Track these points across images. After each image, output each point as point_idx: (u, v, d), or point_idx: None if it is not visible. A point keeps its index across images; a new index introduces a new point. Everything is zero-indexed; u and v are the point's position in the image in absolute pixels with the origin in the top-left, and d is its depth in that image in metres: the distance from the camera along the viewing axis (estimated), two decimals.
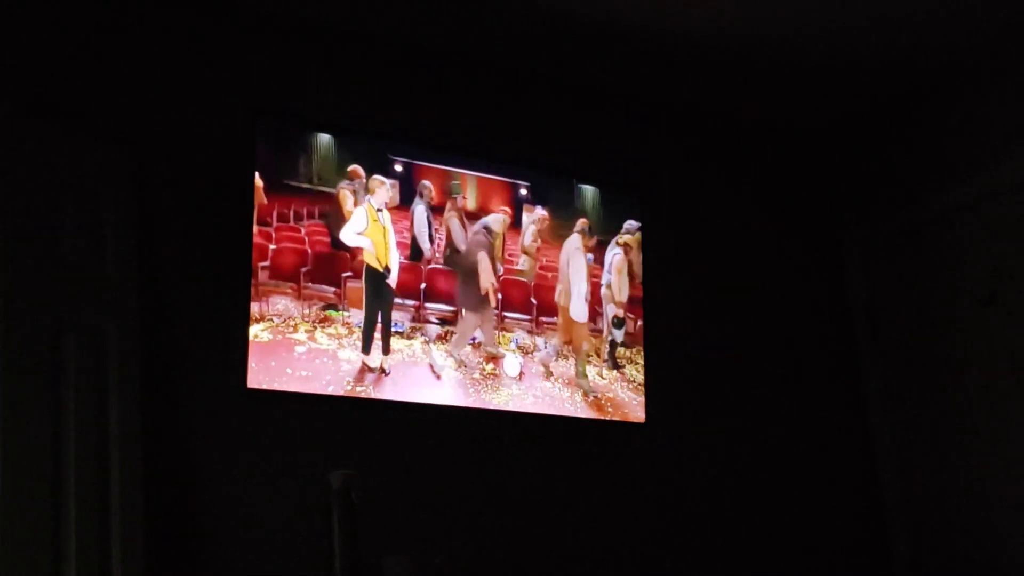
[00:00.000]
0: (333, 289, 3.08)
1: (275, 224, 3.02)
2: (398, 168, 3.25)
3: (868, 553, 3.89)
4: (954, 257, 3.77)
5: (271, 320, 2.97)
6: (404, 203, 3.23)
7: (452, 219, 3.29)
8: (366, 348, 3.10)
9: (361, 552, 2.62)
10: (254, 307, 2.94)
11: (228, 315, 2.95)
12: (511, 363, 3.29)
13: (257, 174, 3.00)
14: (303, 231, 3.07)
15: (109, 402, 2.65)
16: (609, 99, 3.84)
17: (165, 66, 3.11)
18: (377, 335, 3.11)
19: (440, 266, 3.26)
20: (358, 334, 3.08)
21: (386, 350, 3.12)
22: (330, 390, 3.01)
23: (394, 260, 3.18)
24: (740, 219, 4.02)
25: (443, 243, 3.28)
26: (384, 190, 3.17)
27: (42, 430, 2.50)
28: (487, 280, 3.32)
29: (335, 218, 3.10)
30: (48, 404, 2.53)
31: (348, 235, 3.12)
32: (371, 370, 3.09)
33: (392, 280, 3.16)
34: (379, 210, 3.17)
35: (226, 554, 2.86)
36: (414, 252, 3.23)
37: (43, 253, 2.65)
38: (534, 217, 3.41)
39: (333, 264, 3.09)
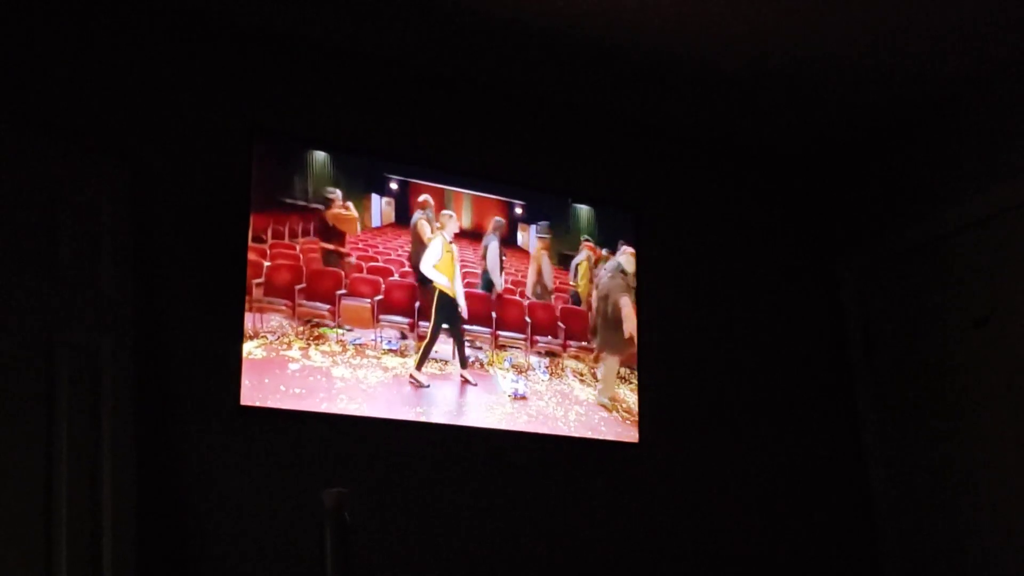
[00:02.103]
0: (327, 306, 3.08)
1: (270, 241, 3.02)
2: (393, 186, 3.25)
3: (861, 574, 3.88)
4: (948, 280, 3.78)
5: (265, 337, 2.96)
6: (399, 221, 3.24)
7: (543, 257, 3.40)
8: (420, 365, 3.15)
9: (354, 572, 2.61)
10: (248, 324, 2.93)
11: (222, 332, 2.94)
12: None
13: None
14: (298, 248, 3.07)
15: (102, 419, 2.64)
16: (606, 120, 3.86)
17: (161, 82, 3.11)
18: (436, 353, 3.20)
19: (533, 299, 3.39)
20: (352, 351, 3.08)
21: (464, 363, 3.24)
22: (324, 407, 3.00)
23: (459, 289, 3.26)
24: (735, 241, 4.03)
25: (533, 279, 3.39)
26: (453, 223, 3.28)
27: (35, 447, 2.49)
28: (630, 326, 3.48)
29: (416, 247, 3.22)
30: (41, 421, 2.52)
31: (427, 267, 3.22)
32: (421, 386, 3.15)
33: (462, 308, 3.26)
34: (450, 242, 3.27)
35: (219, 572, 2.85)
36: (485, 283, 3.31)
37: (37, 269, 2.64)
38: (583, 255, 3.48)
39: (327, 281, 3.09)
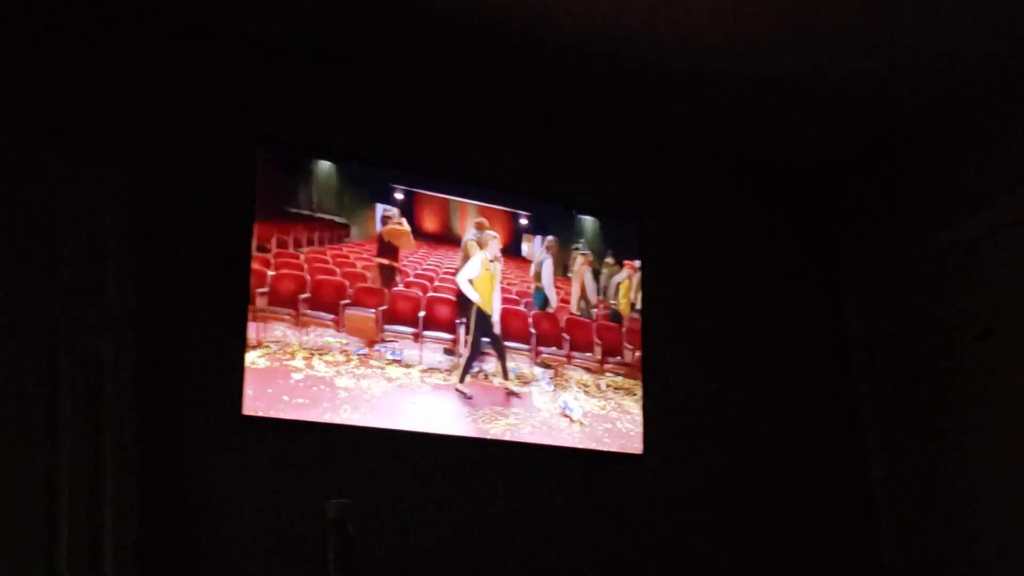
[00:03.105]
0: (331, 316, 3.07)
1: (274, 250, 3.02)
2: (399, 196, 3.25)
3: None
4: (951, 293, 3.78)
5: (268, 347, 2.95)
6: None
7: (586, 272, 3.45)
8: (462, 379, 3.21)
9: None
10: (252, 333, 2.92)
11: (225, 341, 2.93)
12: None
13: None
14: (302, 258, 3.06)
15: (104, 426, 2.63)
16: (611, 131, 3.85)
17: (166, 89, 3.11)
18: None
19: (576, 315, 3.46)
20: (356, 361, 3.07)
21: (505, 375, 3.30)
22: (327, 418, 2.99)
23: (496, 306, 3.31)
24: (739, 253, 4.02)
25: (577, 295, 3.46)
26: (495, 244, 3.35)
27: (37, 453, 2.48)
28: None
29: (464, 263, 3.30)
30: (43, 427, 2.51)
31: (462, 280, 3.28)
32: (468, 398, 3.19)
33: (496, 323, 3.32)
34: (491, 261, 3.33)
35: None
36: (541, 301, 3.40)
37: (41, 276, 2.63)
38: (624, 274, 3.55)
39: (330, 291, 3.08)
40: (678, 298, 3.82)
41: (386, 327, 3.14)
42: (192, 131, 3.11)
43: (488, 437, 3.21)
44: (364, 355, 3.09)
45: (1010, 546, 3.49)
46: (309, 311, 3.04)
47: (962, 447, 3.68)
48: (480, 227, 3.32)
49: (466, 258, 3.30)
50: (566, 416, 3.35)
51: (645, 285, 3.56)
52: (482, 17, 3.19)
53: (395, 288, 3.17)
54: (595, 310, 3.48)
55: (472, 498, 3.23)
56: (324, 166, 3.15)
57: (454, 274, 3.28)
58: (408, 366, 3.15)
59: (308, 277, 3.06)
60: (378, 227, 3.20)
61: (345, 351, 3.06)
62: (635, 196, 3.83)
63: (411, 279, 3.21)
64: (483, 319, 3.30)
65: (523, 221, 3.43)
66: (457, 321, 3.25)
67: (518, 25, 3.23)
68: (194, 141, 3.11)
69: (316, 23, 3.22)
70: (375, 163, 3.26)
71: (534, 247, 3.42)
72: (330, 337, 3.06)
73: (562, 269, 3.46)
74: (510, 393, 3.28)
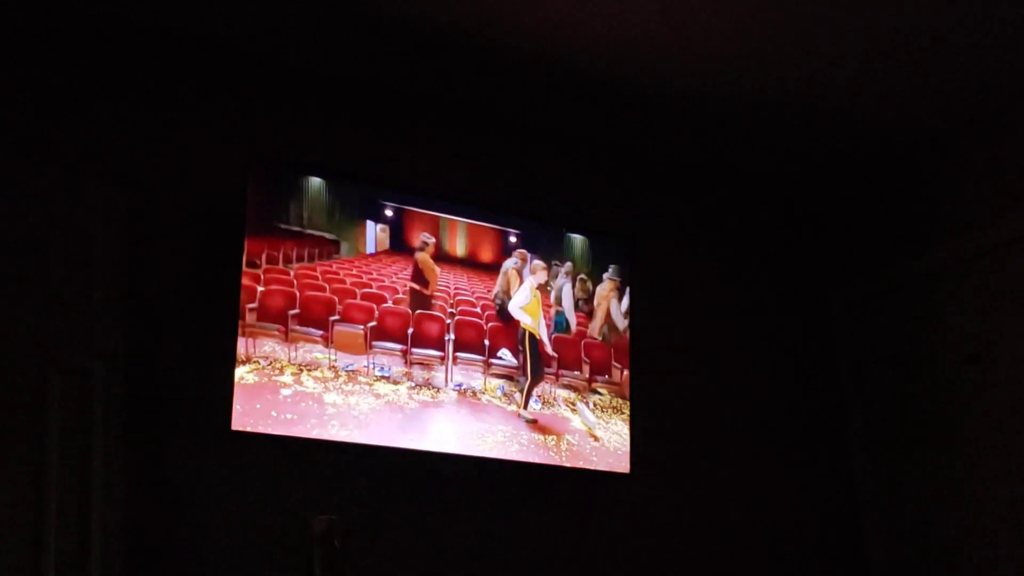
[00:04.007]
0: (320, 332, 3.08)
1: (264, 266, 3.02)
2: (388, 213, 3.26)
3: None
4: (940, 315, 3.79)
5: (257, 362, 2.96)
6: (394, 248, 3.25)
7: (612, 298, 3.52)
8: (526, 405, 3.30)
9: None
10: (241, 349, 2.93)
11: (214, 356, 2.94)
12: None
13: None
14: (292, 274, 3.07)
15: (93, 442, 2.63)
16: (600, 150, 3.87)
17: (157, 106, 3.12)
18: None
19: (600, 340, 3.52)
20: (344, 378, 3.07)
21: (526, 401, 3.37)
22: (315, 433, 2.99)
23: (543, 330, 3.41)
24: (728, 270, 4.04)
25: (600, 320, 3.52)
26: (543, 272, 3.44)
27: (25, 468, 2.48)
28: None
29: (502, 287, 3.38)
30: (32, 443, 2.51)
31: (514, 308, 3.38)
32: (531, 423, 3.30)
33: (548, 348, 3.41)
34: (537, 287, 3.43)
35: None
36: (563, 324, 3.46)
37: (31, 292, 2.63)
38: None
39: (320, 307, 3.09)
40: (667, 317, 3.83)
41: (375, 344, 3.15)
42: (182, 147, 3.12)
43: (475, 454, 3.22)
44: (352, 371, 3.09)
45: (997, 565, 3.50)
46: (298, 327, 3.05)
47: (950, 469, 3.69)
48: (521, 258, 3.40)
49: (505, 282, 3.37)
50: (593, 436, 3.41)
51: (633, 303, 3.58)
52: (472, 37, 3.21)
53: (420, 311, 3.25)
54: (618, 334, 3.54)
55: (459, 515, 3.23)
56: (314, 182, 3.16)
57: (443, 291, 3.29)
58: (396, 383, 3.15)
59: (298, 293, 3.07)
60: (370, 246, 3.21)
61: (334, 367, 3.07)
62: (624, 214, 3.85)
63: (400, 296, 3.22)
64: (535, 344, 3.39)
65: (512, 239, 3.44)
66: (516, 347, 3.37)
67: (507, 44, 3.26)
68: (184, 157, 3.12)
69: (307, 42, 3.24)
70: (365, 180, 3.28)
71: (526, 268, 3.45)
72: (319, 353, 3.06)
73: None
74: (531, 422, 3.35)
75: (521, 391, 3.33)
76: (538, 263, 3.45)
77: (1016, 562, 3.43)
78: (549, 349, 3.41)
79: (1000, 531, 3.50)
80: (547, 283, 3.43)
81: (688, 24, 3.15)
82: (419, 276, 3.26)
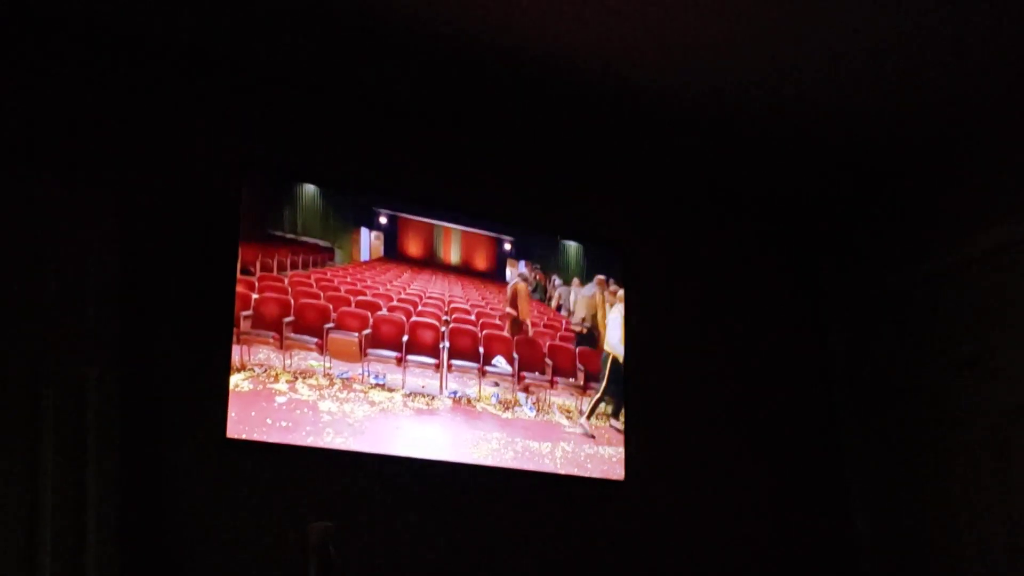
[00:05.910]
0: (315, 340, 3.07)
1: (258, 274, 3.02)
2: (383, 220, 3.26)
3: None
4: (936, 320, 3.80)
5: (252, 370, 2.95)
6: (388, 255, 3.25)
7: (604, 305, 3.60)
8: (589, 417, 3.41)
9: None
10: (236, 356, 2.92)
11: (209, 364, 2.93)
12: None
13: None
14: (286, 281, 3.07)
15: (88, 450, 2.62)
16: (595, 161, 3.87)
17: (151, 114, 3.12)
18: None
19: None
20: (339, 385, 3.07)
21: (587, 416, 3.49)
22: (310, 441, 2.99)
23: (620, 351, 3.56)
24: (722, 279, 4.04)
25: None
26: (621, 297, 3.59)
27: (19, 478, 2.47)
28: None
29: (590, 312, 3.53)
30: (26, 452, 2.50)
31: (614, 340, 3.52)
32: (590, 437, 3.40)
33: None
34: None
35: None
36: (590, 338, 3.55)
37: (24, 300, 2.63)
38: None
39: (314, 314, 3.09)
40: (660, 323, 3.83)
41: (369, 351, 3.15)
42: (177, 154, 3.12)
43: (470, 462, 3.21)
44: (347, 379, 3.09)
45: (991, 569, 3.50)
46: (293, 334, 3.05)
47: (948, 475, 3.69)
48: (601, 284, 3.54)
49: (592, 309, 3.52)
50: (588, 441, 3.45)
51: (628, 310, 3.58)
52: (466, 46, 3.22)
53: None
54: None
55: (453, 523, 3.23)
56: (309, 189, 3.16)
57: (438, 299, 3.28)
58: (391, 390, 3.15)
59: (292, 300, 3.06)
60: (364, 253, 3.21)
61: (328, 375, 3.07)
62: (619, 223, 3.86)
63: (395, 303, 3.22)
64: (617, 367, 3.54)
65: (507, 246, 3.45)
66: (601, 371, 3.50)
67: (502, 54, 3.26)
68: (179, 164, 3.11)
69: (301, 49, 3.24)
70: (360, 187, 3.28)
71: (517, 272, 3.44)
72: (314, 361, 3.06)
73: (542, 292, 3.48)
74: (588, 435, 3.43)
75: (587, 408, 3.43)
76: (620, 292, 3.57)
77: (1012, 566, 3.43)
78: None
79: (996, 536, 3.50)
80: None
81: (684, 34, 3.15)
82: (514, 302, 3.38)
